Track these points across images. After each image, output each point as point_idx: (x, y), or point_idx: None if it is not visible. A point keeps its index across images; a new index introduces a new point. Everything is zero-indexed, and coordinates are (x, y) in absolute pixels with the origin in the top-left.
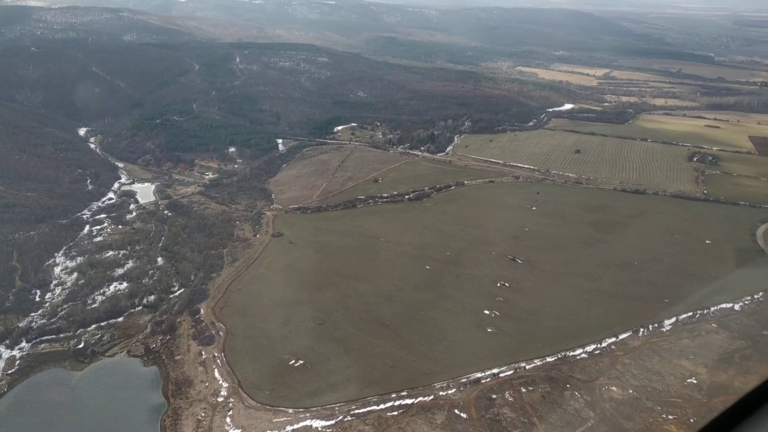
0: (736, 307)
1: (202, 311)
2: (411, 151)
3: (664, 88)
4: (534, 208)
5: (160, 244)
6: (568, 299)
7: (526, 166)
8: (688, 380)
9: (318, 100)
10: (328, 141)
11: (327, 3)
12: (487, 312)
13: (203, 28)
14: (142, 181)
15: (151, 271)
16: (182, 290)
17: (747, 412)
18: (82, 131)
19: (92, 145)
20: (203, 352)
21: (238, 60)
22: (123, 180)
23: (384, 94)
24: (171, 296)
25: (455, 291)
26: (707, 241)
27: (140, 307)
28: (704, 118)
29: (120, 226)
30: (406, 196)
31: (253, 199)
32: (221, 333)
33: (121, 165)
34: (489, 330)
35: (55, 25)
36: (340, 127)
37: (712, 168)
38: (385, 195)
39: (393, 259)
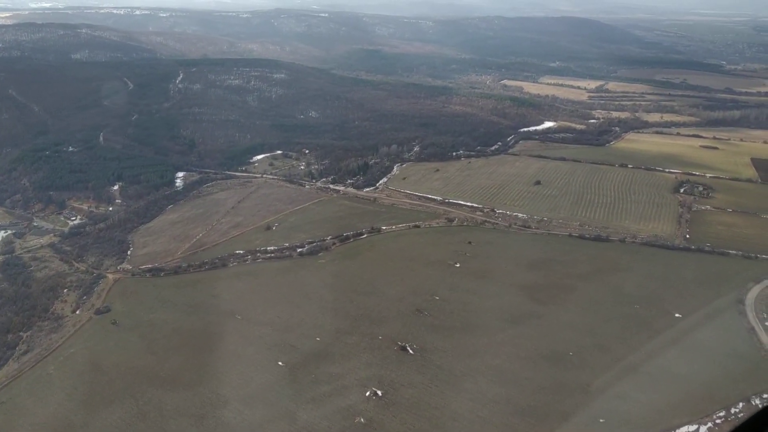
0: (703, 429)
1: None
2: (333, 186)
3: (661, 101)
4: (458, 265)
5: None
6: (457, 419)
7: (468, 203)
8: None
9: (256, 122)
10: (237, 174)
11: (318, 15)
12: None
13: (168, 44)
14: None
15: None
16: None
17: None
18: None
19: None
20: None
21: (179, 78)
22: None
23: (338, 114)
24: None
25: (301, 406)
26: (677, 315)
27: None
28: (701, 136)
29: None
30: (299, 249)
31: (103, 256)
32: None
33: None
34: None
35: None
36: (260, 156)
37: (702, 202)
38: (271, 248)
39: (239, 349)
